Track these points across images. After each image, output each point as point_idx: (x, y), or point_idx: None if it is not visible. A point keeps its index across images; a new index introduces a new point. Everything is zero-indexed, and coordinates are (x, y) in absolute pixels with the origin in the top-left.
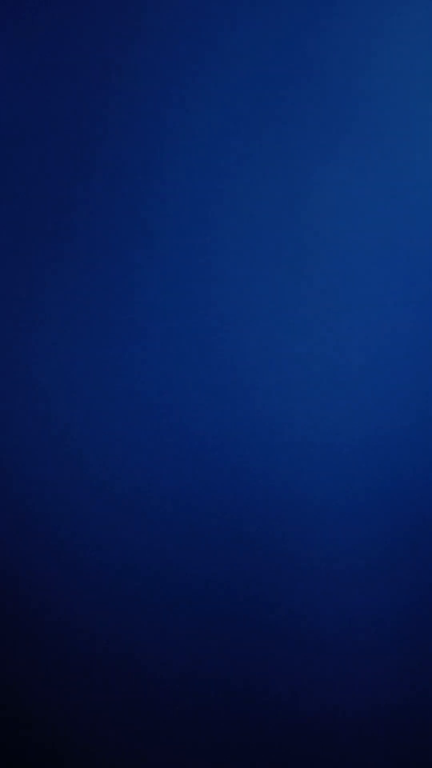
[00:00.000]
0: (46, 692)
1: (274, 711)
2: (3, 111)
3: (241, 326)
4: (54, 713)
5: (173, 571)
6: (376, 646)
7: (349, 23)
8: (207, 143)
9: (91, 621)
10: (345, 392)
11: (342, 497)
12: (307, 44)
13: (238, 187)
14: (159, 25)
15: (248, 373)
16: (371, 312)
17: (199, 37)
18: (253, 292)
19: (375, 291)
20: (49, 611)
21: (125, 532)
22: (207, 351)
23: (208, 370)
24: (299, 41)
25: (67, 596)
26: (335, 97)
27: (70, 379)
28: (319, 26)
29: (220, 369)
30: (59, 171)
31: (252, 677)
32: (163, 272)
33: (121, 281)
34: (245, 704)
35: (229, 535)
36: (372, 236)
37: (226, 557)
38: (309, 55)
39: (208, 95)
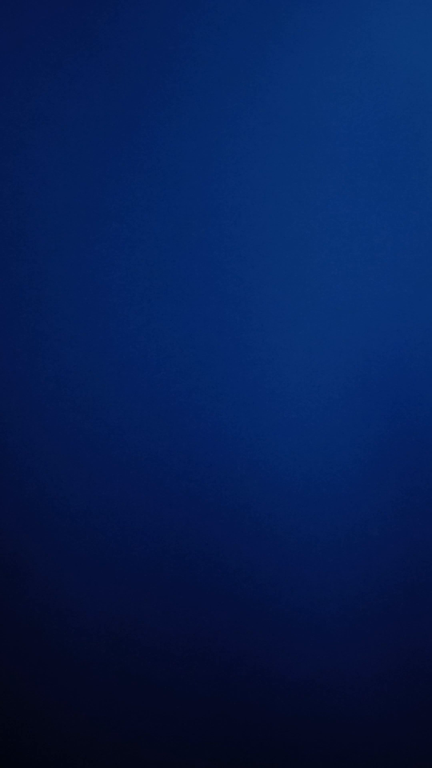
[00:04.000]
0: (43, 670)
1: (270, 685)
2: None
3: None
4: (51, 690)
5: (170, 546)
6: (371, 621)
7: None
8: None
9: (89, 599)
10: (341, 371)
11: (340, 475)
12: None
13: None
14: None
15: (246, 349)
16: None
17: None
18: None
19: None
20: (46, 591)
21: (121, 505)
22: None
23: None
24: None
25: (65, 575)
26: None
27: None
28: None
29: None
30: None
31: (248, 652)
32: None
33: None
34: (243, 680)
35: (227, 509)
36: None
37: (222, 532)
38: None
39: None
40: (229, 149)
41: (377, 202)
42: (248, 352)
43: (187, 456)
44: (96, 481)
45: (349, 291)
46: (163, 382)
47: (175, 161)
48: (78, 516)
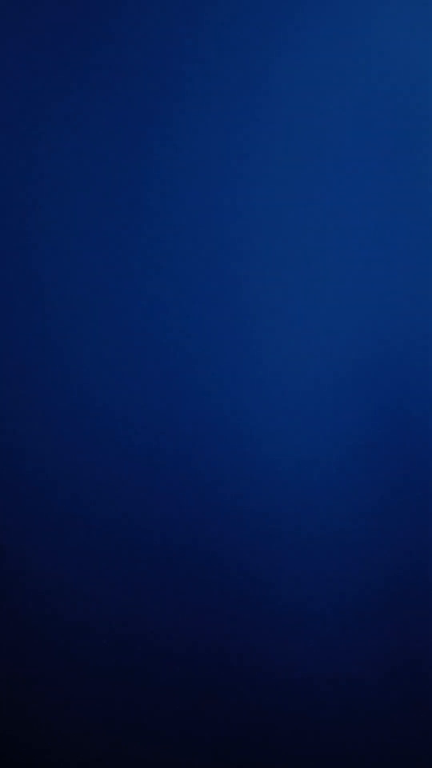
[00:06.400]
0: (43, 664)
1: (269, 682)
2: None
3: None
4: (50, 687)
5: (167, 541)
6: (369, 616)
7: None
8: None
9: (86, 594)
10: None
11: (338, 468)
12: None
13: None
14: None
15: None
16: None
17: None
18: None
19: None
20: (44, 585)
21: (118, 499)
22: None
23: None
24: None
25: (63, 570)
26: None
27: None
28: None
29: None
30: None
31: (247, 648)
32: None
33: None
34: (241, 676)
35: (225, 504)
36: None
37: (219, 527)
38: None
39: None
40: (228, 148)
41: (376, 202)
42: (245, 344)
43: (183, 449)
44: (93, 469)
45: (346, 284)
46: (162, 372)
47: (176, 157)
48: (77, 510)
